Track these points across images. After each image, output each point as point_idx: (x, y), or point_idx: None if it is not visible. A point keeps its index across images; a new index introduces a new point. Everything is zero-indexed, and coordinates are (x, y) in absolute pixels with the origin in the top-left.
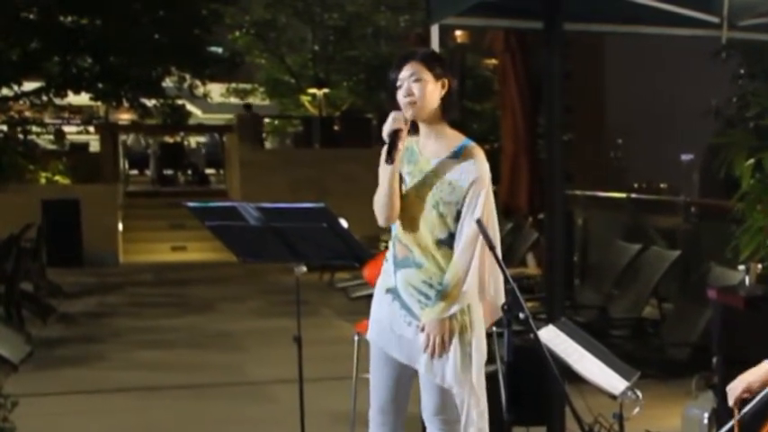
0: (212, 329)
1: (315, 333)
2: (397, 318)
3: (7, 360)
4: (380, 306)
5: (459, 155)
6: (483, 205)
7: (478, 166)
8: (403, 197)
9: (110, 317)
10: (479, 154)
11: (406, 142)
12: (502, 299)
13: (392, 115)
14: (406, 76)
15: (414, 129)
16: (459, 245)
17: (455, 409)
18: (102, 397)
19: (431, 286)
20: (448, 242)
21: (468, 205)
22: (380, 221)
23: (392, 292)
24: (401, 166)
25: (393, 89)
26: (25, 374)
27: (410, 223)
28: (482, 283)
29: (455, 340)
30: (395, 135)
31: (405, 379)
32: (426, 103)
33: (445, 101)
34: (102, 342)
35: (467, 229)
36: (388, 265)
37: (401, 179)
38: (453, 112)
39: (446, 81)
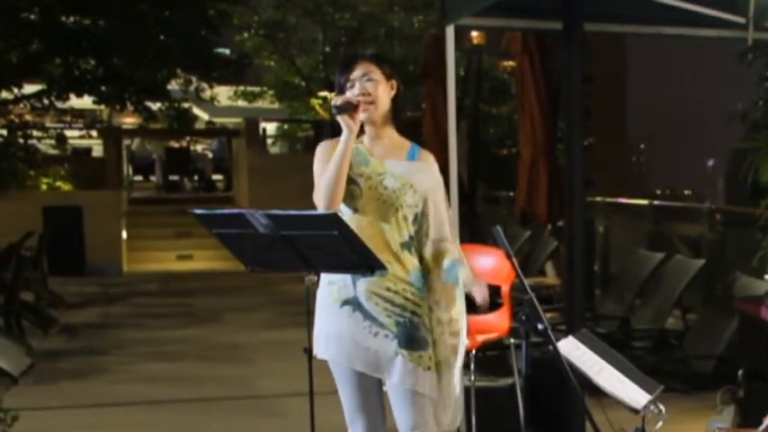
0: (219, 341)
1: None
2: (361, 330)
3: (7, 373)
4: (337, 319)
5: (415, 157)
6: (446, 206)
7: (437, 174)
8: (356, 200)
9: (113, 328)
10: (432, 157)
11: (353, 145)
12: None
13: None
14: (358, 76)
15: (359, 131)
16: (452, 241)
17: (431, 421)
18: (106, 411)
19: (396, 293)
20: (409, 245)
21: (436, 209)
22: (322, 206)
23: (351, 303)
24: (351, 165)
25: (341, 92)
26: (25, 388)
27: (368, 227)
28: None
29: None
30: (350, 106)
31: (373, 390)
32: (381, 103)
33: (395, 102)
34: (105, 354)
35: (447, 229)
36: (341, 276)
37: (352, 181)
38: (401, 115)
39: (395, 82)
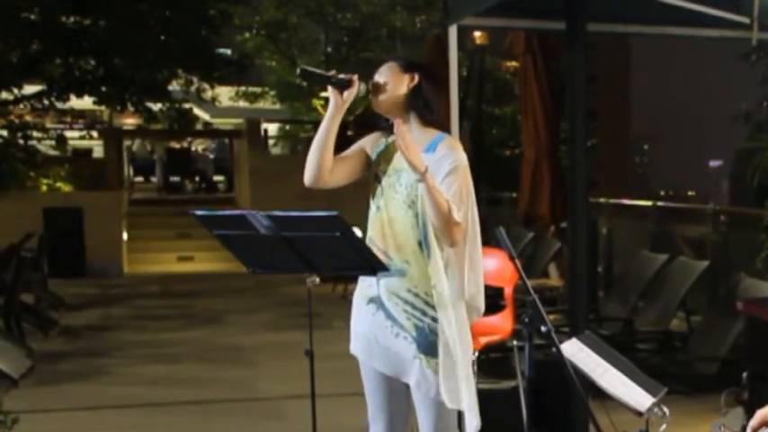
0: (221, 343)
1: (327, 347)
2: (383, 329)
3: (7, 375)
4: (363, 318)
5: (434, 149)
6: (456, 193)
7: (453, 157)
8: (378, 198)
9: (114, 330)
10: (454, 144)
11: (382, 140)
12: (481, 300)
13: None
14: (376, 74)
15: (389, 129)
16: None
17: (453, 427)
18: (106, 413)
19: (416, 295)
20: (427, 244)
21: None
22: (306, 178)
23: (375, 301)
24: (376, 162)
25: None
26: (26, 390)
27: (387, 226)
28: (461, 282)
29: (440, 359)
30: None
31: (398, 392)
32: (388, 85)
33: (412, 91)
34: (105, 356)
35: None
36: None
37: (377, 178)
38: (419, 103)
39: (416, 76)
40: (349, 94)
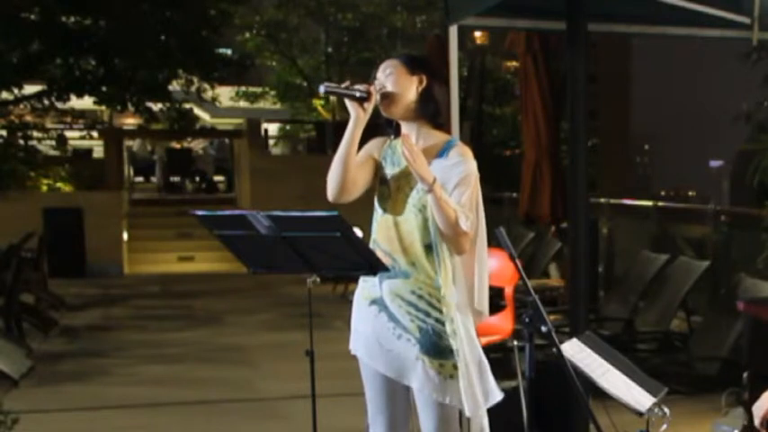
0: (221, 343)
1: (328, 347)
2: (385, 331)
3: (7, 375)
4: (365, 319)
5: (446, 155)
6: (465, 203)
7: (465, 166)
8: (385, 200)
9: (114, 330)
10: (466, 152)
11: (390, 142)
12: (485, 307)
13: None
14: (381, 73)
15: (397, 132)
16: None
17: (456, 427)
18: (106, 413)
19: (420, 297)
20: (434, 248)
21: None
22: (331, 194)
23: (377, 303)
24: (384, 165)
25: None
26: (26, 390)
27: (393, 228)
28: (470, 291)
29: (451, 361)
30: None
31: (398, 394)
32: (399, 93)
33: (422, 96)
34: (105, 356)
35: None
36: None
37: (384, 181)
38: (430, 109)
39: (424, 77)
40: (368, 106)
